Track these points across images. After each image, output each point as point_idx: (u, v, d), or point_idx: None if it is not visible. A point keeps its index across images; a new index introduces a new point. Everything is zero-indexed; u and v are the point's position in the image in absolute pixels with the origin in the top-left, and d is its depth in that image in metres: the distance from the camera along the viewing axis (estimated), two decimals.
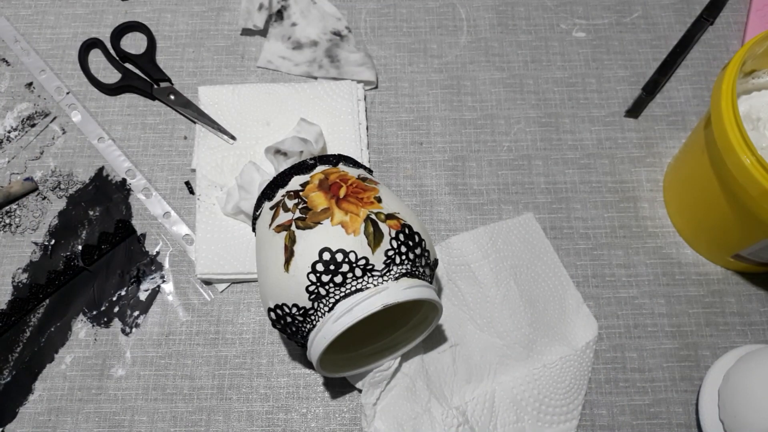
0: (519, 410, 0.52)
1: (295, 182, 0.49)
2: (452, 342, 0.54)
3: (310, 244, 0.44)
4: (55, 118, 0.63)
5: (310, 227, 0.45)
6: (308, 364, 0.55)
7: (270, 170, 0.57)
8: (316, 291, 0.44)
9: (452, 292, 0.56)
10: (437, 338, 0.54)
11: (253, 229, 0.51)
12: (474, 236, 0.58)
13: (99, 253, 0.58)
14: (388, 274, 0.45)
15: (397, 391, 0.52)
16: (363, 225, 0.44)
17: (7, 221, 0.59)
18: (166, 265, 0.58)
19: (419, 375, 0.53)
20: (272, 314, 0.46)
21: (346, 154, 0.58)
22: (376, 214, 0.45)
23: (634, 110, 0.63)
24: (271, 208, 0.48)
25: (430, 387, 0.53)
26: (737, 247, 0.53)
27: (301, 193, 0.47)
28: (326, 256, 0.44)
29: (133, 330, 0.56)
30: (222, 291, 0.57)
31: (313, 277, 0.44)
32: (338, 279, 0.44)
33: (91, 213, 0.60)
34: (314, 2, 0.64)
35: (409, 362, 0.53)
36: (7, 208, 0.60)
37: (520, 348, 0.54)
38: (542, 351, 0.54)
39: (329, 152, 0.60)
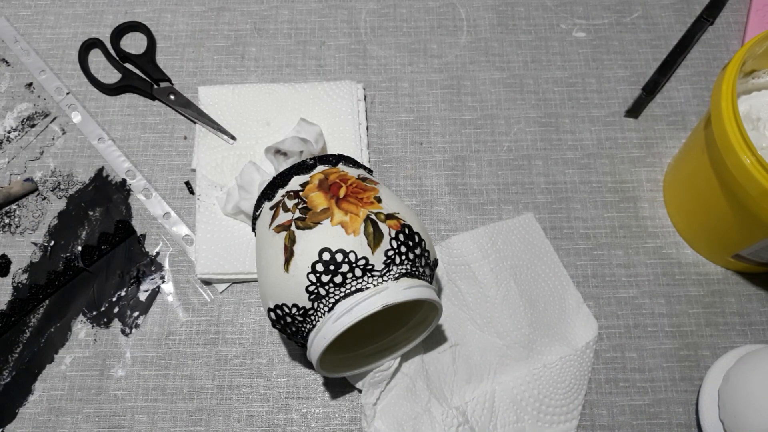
0: (519, 410, 0.52)
1: (295, 182, 0.49)
2: (452, 342, 0.54)
3: (310, 244, 0.44)
4: (55, 119, 0.63)
5: (310, 227, 0.45)
6: (308, 364, 0.55)
7: (270, 170, 0.57)
8: (315, 291, 0.44)
9: (452, 292, 0.56)
10: (437, 338, 0.54)
11: (253, 229, 0.51)
12: (474, 236, 0.58)
13: (99, 254, 0.58)
14: (387, 274, 0.45)
15: (397, 391, 0.52)
16: (363, 225, 0.44)
17: (7, 221, 0.59)
18: (166, 265, 0.58)
19: (419, 375, 0.53)
20: (272, 314, 0.46)
21: (346, 154, 0.58)
22: (376, 214, 0.45)
23: (634, 110, 0.63)
24: (271, 208, 0.48)
25: (430, 387, 0.53)
26: (737, 247, 0.53)
27: (300, 193, 0.47)
28: (326, 256, 0.44)
29: (133, 330, 0.56)
30: (222, 291, 0.57)
31: (312, 277, 0.44)
32: (338, 279, 0.44)
33: (91, 213, 0.60)
34: None
35: (409, 362, 0.53)
36: (7, 208, 0.60)
37: (520, 348, 0.54)
38: (542, 351, 0.54)
39: (329, 152, 0.60)
